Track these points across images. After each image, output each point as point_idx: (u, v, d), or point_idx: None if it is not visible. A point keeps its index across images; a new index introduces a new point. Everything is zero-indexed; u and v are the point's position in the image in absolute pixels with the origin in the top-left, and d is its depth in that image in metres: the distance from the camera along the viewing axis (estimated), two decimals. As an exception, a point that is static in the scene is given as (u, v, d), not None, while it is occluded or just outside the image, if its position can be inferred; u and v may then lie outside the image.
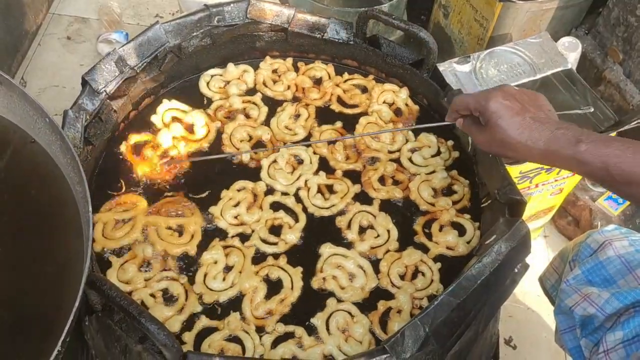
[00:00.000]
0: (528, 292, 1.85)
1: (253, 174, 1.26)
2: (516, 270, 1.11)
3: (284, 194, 1.24)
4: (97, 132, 1.20)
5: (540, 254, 1.97)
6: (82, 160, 1.13)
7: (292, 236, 1.17)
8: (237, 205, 1.20)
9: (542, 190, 1.63)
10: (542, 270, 1.45)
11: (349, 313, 1.08)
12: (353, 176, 1.28)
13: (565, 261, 1.37)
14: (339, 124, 1.35)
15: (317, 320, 1.07)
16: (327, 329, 1.06)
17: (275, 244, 1.16)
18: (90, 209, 0.87)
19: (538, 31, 1.87)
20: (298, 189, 1.24)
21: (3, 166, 1.01)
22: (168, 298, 1.08)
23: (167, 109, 1.33)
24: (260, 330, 1.06)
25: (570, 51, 1.71)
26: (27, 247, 0.94)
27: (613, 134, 1.53)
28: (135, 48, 1.25)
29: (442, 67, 1.60)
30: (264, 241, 1.17)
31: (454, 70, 1.60)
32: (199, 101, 1.37)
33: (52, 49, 2.42)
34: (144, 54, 1.26)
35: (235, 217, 1.19)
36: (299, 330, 1.05)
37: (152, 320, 0.89)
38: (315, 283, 1.12)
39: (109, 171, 1.23)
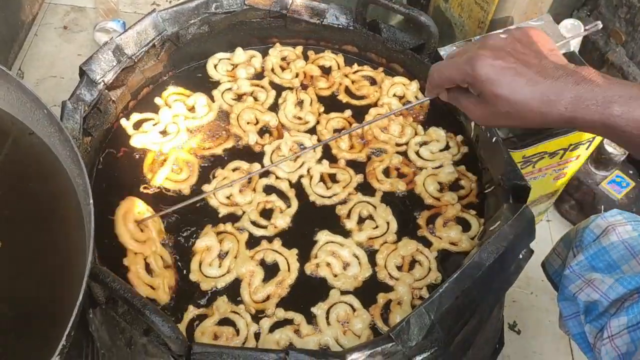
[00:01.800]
0: (532, 277, 1.84)
1: (257, 157, 1.26)
2: (521, 256, 1.11)
3: (279, 178, 1.23)
4: (96, 123, 1.18)
5: (543, 239, 1.96)
6: (81, 151, 1.12)
7: (282, 221, 1.16)
8: (230, 185, 1.20)
9: (545, 175, 1.62)
10: (545, 255, 1.45)
11: (351, 306, 1.07)
12: (356, 166, 1.27)
13: (569, 247, 1.36)
14: (347, 113, 1.33)
15: (318, 309, 1.06)
16: (327, 319, 1.06)
17: (264, 227, 1.16)
18: (91, 201, 0.86)
19: (540, 13, 1.85)
20: (300, 176, 1.23)
21: (1, 159, 1.00)
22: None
23: (172, 92, 1.33)
24: (260, 313, 1.05)
25: (572, 33, 1.69)
26: (27, 240, 0.93)
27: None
28: (132, 37, 1.23)
29: (443, 51, 1.57)
30: (254, 223, 1.16)
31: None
32: (199, 89, 1.35)
33: (48, 39, 2.40)
34: (141, 43, 1.25)
35: (228, 197, 1.19)
36: (298, 318, 1.05)
37: (156, 312, 0.88)
38: (308, 268, 1.11)
39: (110, 164, 1.22)
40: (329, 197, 1.21)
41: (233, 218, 1.16)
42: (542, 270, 1.48)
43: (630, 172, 1.87)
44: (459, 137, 1.30)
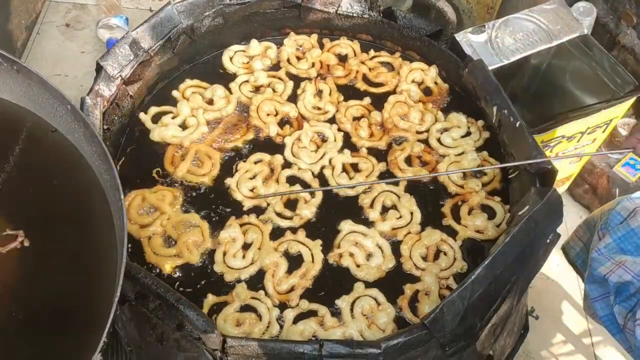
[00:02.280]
0: (548, 261, 1.83)
1: (278, 149, 1.25)
2: (548, 241, 1.10)
3: (301, 168, 1.22)
4: (115, 118, 1.17)
5: (558, 224, 1.95)
6: (102, 147, 1.11)
7: (307, 211, 1.15)
8: (253, 177, 1.19)
9: (562, 159, 1.61)
10: (562, 239, 1.44)
11: (375, 300, 1.06)
12: (378, 154, 1.26)
13: (592, 230, 1.36)
14: (367, 100, 1.32)
15: (343, 302, 1.05)
16: (352, 312, 1.05)
17: (290, 218, 1.15)
18: (122, 197, 0.85)
19: (549, -2, 1.83)
20: (322, 167, 1.22)
21: (25, 157, 0.98)
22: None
23: (189, 85, 1.32)
24: (284, 305, 1.04)
25: (585, 16, 1.68)
26: (55, 238, 0.92)
27: (632, 100, 1.51)
28: (148, 30, 1.22)
29: (457, 37, 1.56)
30: (279, 215, 1.15)
31: (469, 41, 1.56)
32: (216, 81, 1.34)
33: (51, 37, 2.37)
34: (157, 36, 1.23)
35: (251, 190, 1.18)
36: (323, 310, 1.04)
37: (190, 307, 0.87)
38: (332, 258, 1.11)
39: (131, 158, 1.21)
40: (352, 187, 1.20)
41: (258, 211, 1.15)
42: (562, 253, 1.47)
43: (644, 154, 1.86)
44: (480, 122, 1.29)
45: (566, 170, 1.72)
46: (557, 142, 1.51)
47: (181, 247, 1.09)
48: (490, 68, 1.50)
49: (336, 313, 1.04)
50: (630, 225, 1.21)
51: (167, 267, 1.07)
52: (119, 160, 1.19)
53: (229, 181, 1.17)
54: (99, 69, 1.15)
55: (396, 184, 1.20)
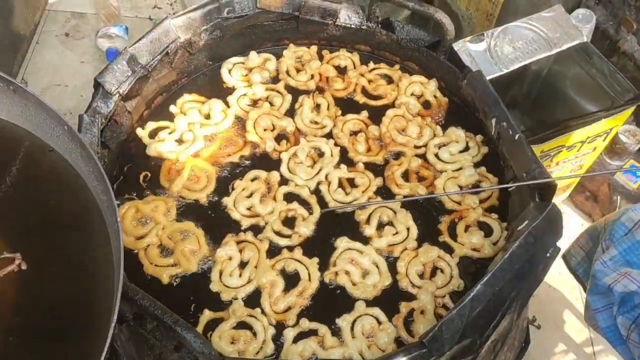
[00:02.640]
0: (550, 270, 1.83)
1: (275, 165, 1.24)
2: (548, 255, 1.10)
3: (298, 185, 1.21)
4: (113, 135, 1.17)
5: (559, 231, 1.95)
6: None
7: (306, 229, 1.15)
8: (250, 196, 1.18)
9: (562, 168, 1.61)
10: (562, 247, 1.43)
11: (377, 319, 1.05)
12: (375, 169, 1.25)
13: (594, 239, 1.35)
14: (364, 114, 1.32)
15: (343, 321, 1.04)
16: (352, 331, 1.04)
17: (288, 236, 1.14)
18: (119, 219, 0.85)
19: (549, 4, 1.83)
20: (318, 183, 1.22)
21: (22, 177, 0.98)
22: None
23: (186, 100, 1.32)
24: (281, 325, 1.04)
25: (584, 23, 1.67)
26: (54, 259, 0.92)
27: (633, 107, 1.51)
28: (146, 45, 1.21)
29: (456, 47, 1.55)
30: (277, 233, 1.14)
31: (467, 50, 1.56)
32: (214, 95, 1.33)
33: (51, 46, 2.37)
34: (155, 51, 1.23)
35: (249, 209, 1.17)
36: (323, 329, 1.03)
37: (188, 328, 0.87)
38: (327, 277, 1.10)
39: (129, 174, 1.21)
40: (349, 203, 1.19)
41: (256, 229, 1.15)
42: (563, 261, 1.47)
43: (645, 161, 1.86)
44: (479, 137, 1.27)
45: (567, 179, 1.71)
46: (557, 151, 1.50)
47: (178, 256, 1.10)
48: (489, 77, 1.50)
49: (336, 332, 1.03)
50: (635, 236, 1.20)
51: (165, 277, 1.08)
52: (117, 177, 1.19)
53: (226, 200, 1.17)
54: (96, 85, 1.15)
55: (392, 199, 1.19)
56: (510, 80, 1.59)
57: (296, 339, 1.02)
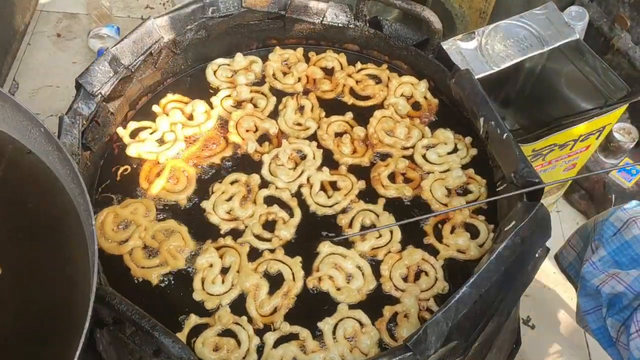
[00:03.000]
0: (543, 270, 1.82)
1: (256, 166, 1.22)
2: (537, 255, 1.08)
3: (279, 188, 1.19)
4: (95, 136, 1.15)
5: (553, 230, 1.92)
6: (81, 167, 1.10)
7: (286, 232, 1.12)
8: (230, 199, 1.16)
9: (555, 167, 1.59)
10: (557, 246, 1.42)
11: (359, 322, 1.03)
12: (359, 172, 1.22)
13: (585, 239, 1.34)
14: (349, 115, 1.29)
15: (325, 325, 1.02)
16: (334, 335, 1.02)
17: (269, 240, 1.12)
18: (94, 222, 0.83)
19: (543, 1, 1.81)
20: (300, 186, 1.19)
21: (1, 180, 0.97)
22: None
23: (170, 100, 1.30)
24: (268, 328, 1.02)
25: (577, 21, 1.65)
26: (29, 262, 0.91)
27: (625, 105, 1.49)
28: (128, 46, 1.20)
29: (446, 45, 1.54)
30: (258, 237, 1.12)
31: (458, 48, 1.54)
32: (199, 95, 1.31)
33: (42, 47, 2.36)
34: (138, 52, 1.21)
35: (228, 212, 1.15)
36: (304, 333, 1.01)
37: (165, 333, 0.86)
38: (310, 282, 1.07)
39: (110, 177, 1.19)
40: (331, 206, 1.17)
41: (236, 233, 1.13)
42: (555, 261, 1.45)
43: (640, 159, 1.84)
44: (468, 139, 1.25)
45: (561, 177, 1.69)
46: (550, 150, 1.48)
47: (164, 255, 1.08)
48: (480, 76, 1.48)
49: (318, 336, 1.02)
50: (624, 237, 1.18)
51: (154, 278, 1.06)
52: (101, 179, 1.17)
53: (205, 204, 1.15)
54: (78, 86, 1.14)
55: (375, 201, 1.17)
56: (503, 78, 1.57)
57: (276, 343, 1.00)
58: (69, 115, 1.10)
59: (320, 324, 1.02)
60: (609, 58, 1.88)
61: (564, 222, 1.95)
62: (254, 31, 1.37)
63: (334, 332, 1.02)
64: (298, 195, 1.18)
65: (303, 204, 1.17)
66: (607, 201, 1.82)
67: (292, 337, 1.01)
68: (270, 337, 1.00)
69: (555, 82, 1.73)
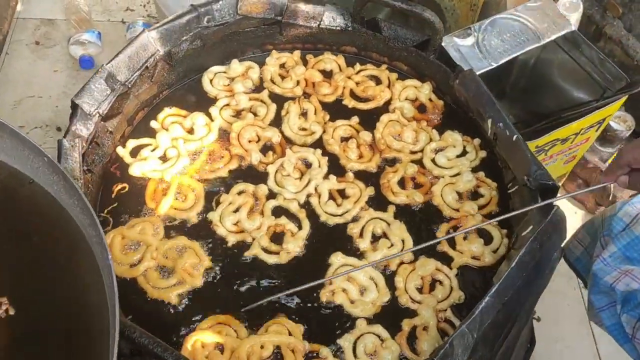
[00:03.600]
0: (546, 261, 1.82)
1: (262, 177, 1.19)
2: (553, 257, 1.07)
3: (287, 198, 1.16)
4: (95, 158, 1.11)
5: (553, 220, 1.93)
6: (84, 192, 1.05)
7: (294, 245, 1.10)
8: (237, 210, 1.13)
9: (556, 160, 1.59)
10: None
11: (379, 337, 1.01)
12: (365, 178, 1.20)
13: (592, 234, 1.33)
14: (354, 119, 1.27)
15: (345, 341, 1.00)
16: (354, 352, 1.00)
17: (277, 253, 1.09)
18: (110, 256, 0.80)
19: (535, -8, 1.80)
20: (308, 195, 1.17)
21: (1, 212, 0.92)
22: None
23: (167, 114, 1.26)
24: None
25: (571, 12, 1.64)
26: (43, 300, 0.86)
27: (625, 97, 1.49)
28: (124, 61, 1.15)
29: (443, 42, 1.52)
30: (265, 250, 1.10)
31: (456, 45, 1.52)
32: (197, 106, 1.28)
33: (21, 56, 2.28)
34: (134, 67, 1.17)
35: (235, 224, 1.12)
36: (325, 351, 0.99)
37: (190, 365, 0.83)
38: (324, 296, 1.05)
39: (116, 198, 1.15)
40: (341, 215, 1.15)
41: (243, 246, 1.10)
42: (562, 257, 1.45)
43: (636, 146, 1.85)
44: (476, 141, 1.23)
45: (560, 170, 1.70)
46: (552, 145, 1.48)
47: (180, 273, 1.05)
48: (479, 72, 1.47)
49: (338, 353, 0.99)
50: (634, 232, 1.18)
51: (173, 298, 1.03)
52: (103, 202, 1.13)
53: (212, 215, 1.12)
54: (74, 107, 1.09)
55: (386, 208, 1.15)
56: (498, 72, 1.56)
57: None
58: (68, 138, 1.05)
59: (340, 341, 1.00)
60: (601, 46, 1.88)
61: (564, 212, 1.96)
62: (250, 38, 1.34)
63: (354, 349, 1.00)
64: (307, 205, 1.16)
65: (313, 214, 1.15)
66: (605, 191, 1.83)
67: (313, 356, 0.99)
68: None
69: (550, 74, 1.73)
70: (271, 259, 1.09)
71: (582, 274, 1.37)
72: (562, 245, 1.11)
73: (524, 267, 0.98)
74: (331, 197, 1.18)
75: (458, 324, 1.00)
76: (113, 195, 1.14)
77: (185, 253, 1.07)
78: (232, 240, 1.11)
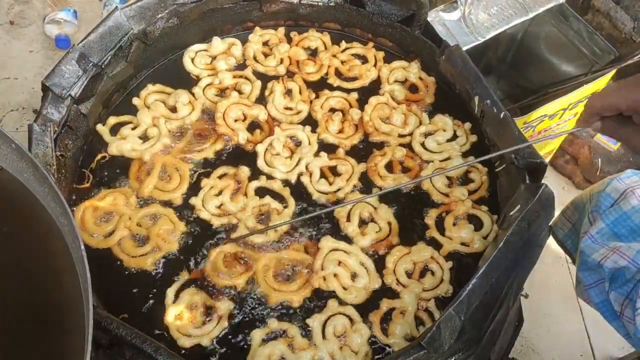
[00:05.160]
0: (534, 238, 1.81)
1: (250, 157, 1.16)
2: (542, 236, 1.06)
3: (270, 177, 1.14)
4: (69, 142, 1.07)
5: (541, 196, 1.92)
6: (57, 177, 1.02)
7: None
8: (219, 194, 1.11)
9: (544, 137, 1.57)
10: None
11: (350, 319, 0.99)
12: (357, 156, 1.17)
13: (580, 211, 1.32)
14: (354, 95, 1.24)
15: (314, 321, 0.97)
16: (323, 332, 0.97)
17: (264, 233, 1.07)
18: (82, 245, 0.76)
19: (520, -36, 1.75)
20: (299, 174, 1.14)
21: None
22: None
23: (150, 91, 1.22)
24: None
25: (561, -14, 1.60)
26: (15, 294, 0.83)
27: (614, 71, 1.46)
28: (96, 42, 1.10)
29: (429, 18, 1.48)
30: (251, 230, 1.07)
31: (441, 20, 1.48)
32: (178, 85, 1.24)
33: (-5, 37, 2.21)
34: (107, 47, 1.12)
35: (219, 207, 1.10)
36: (293, 330, 0.97)
37: (170, 356, 0.80)
38: (316, 282, 1.02)
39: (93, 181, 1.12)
40: (334, 192, 1.12)
41: (229, 228, 1.07)
42: (550, 234, 1.44)
43: (624, 120, 1.83)
44: (467, 125, 1.20)
45: (549, 146, 1.68)
46: (540, 121, 1.45)
47: (155, 240, 1.04)
48: (466, 48, 1.43)
49: (307, 333, 0.97)
50: (622, 208, 1.16)
51: (149, 264, 1.02)
52: (75, 185, 1.09)
53: (194, 200, 1.09)
54: (45, 89, 1.04)
55: (369, 192, 1.13)
56: (486, 46, 1.52)
57: (264, 341, 0.95)
58: (39, 122, 1.01)
59: (309, 321, 0.98)
60: (589, 18, 1.84)
61: (552, 188, 1.94)
62: (229, 15, 1.29)
63: (323, 330, 0.98)
64: (298, 184, 1.13)
65: (304, 193, 1.12)
66: (592, 165, 1.81)
67: (280, 334, 0.96)
68: (257, 334, 0.95)
69: (538, 48, 1.70)
70: (259, 239, 1.06)
71: (571, 251, 1.36)
72: (549, 224, 1.10)
73: (512, 247, 0.96)
74: (323, 175, 1.15)
75: (438, 316, 0.98)
76: (94, 166, 1.11)
77: (159, 220, 1.06)
78: (217, 223, 1.08)
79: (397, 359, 0.87)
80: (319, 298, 1.01)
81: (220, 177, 1.13)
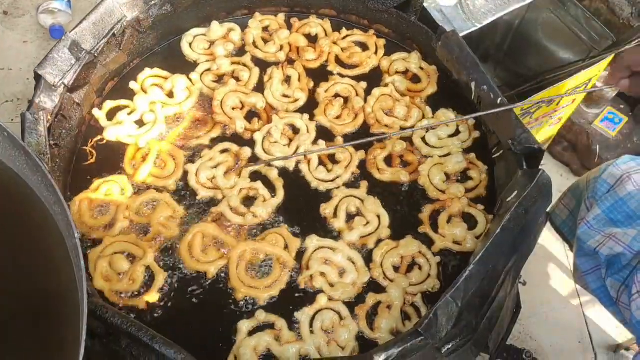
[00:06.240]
0: (531, 225, 1.81)
1: (247, 145, 1.15)
2: (539, 222, 1.05)
3: (269, 165, 1.13)
4: (63, 131, 1.06)
5: (538, 184, 1.92)
6: (51, 167, 1.01)
7: (263, 211, 1.06)
8: (215, 167, 1.10)
9: (542, 123, 1.56)
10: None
11: (339, 314, 0.98)
12: (357, 146, 1.16)
13: (578, 197, 1.32)
14: (363, 84, 1.23)
15: (302, 315, 0.97)
16: (311, 327, 0.97)
17: (242, 215, 1.06)
18: (77, 234, 0.76)
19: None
20: (298, 162, 1.13)
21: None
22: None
23: (148, 75, 1.21)
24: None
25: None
26: (10, 283, 0.83)
27: (612, 56, 1.45)
28: (89, 29, 1.09)
29: (426, 3, 1.47)
30: (233, 209, 1.06)
31: (438, 6, 1.47)
32: (176, 70, 1.23)
33: (-12, 27, 2.19)
34: (99, 34, 1.11)
35: (210, 180, 1.10)
36: (280, 322, 0.96)
37: (167, 344, 0.80)
38: (302, 282, 1.01)
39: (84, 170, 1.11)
40: (332, 181, 1.11)
41: (213, 201, 1.07)
42: (548, 221, 1.43)
43: (622, 107, 1.82)
44: (471, 122, 1.18)
45: (546, 133, 1.67)
46: (537, 107, 1.44)
47: (157, 227, 1.04)
48: (463, 34, 1.42)
49: (294, 326, 0.97)
50: (618, 194, 1.16)
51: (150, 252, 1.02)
52: (72, 175, 1.08)
53: (189, 166, 1.09)
54: (37, 78, 1.03)
55: (356, 185, 1.12)
56: (481, 33, 1.51)
57: (251, 332, 0.95)
58: (31, 111, 1.00)
59: (297, 314, 0.97)
60: (586, 4, 1.82)
61: (550, 174, 1.94)
62: (224, 1, 1.27)
63: (311, 324, 0.97)
64: (296, 171, 1.12)
65: (300, 182, 1.12)
66: (591, 152, 1.81)
67: (267, 326, 0.96)
68: (243, 325, 0.95)
69: (536, 34, 1.68)
70: (236, 219, 1.06)
71: (568, 237, 1.36)
72: (547, 210, 1.09)
73: (509, 233, 0.95)
74: (321, 162, 1.14)
75: (425, 312, 0.97)
76: (88, 149, 1.11)
77: (158, 206, 1.06)
78: (202, 194, 1.08)
79: (394, 346, 0.87)
80: (307, 293, 1.01)
81: (221, 152, 1.13)
